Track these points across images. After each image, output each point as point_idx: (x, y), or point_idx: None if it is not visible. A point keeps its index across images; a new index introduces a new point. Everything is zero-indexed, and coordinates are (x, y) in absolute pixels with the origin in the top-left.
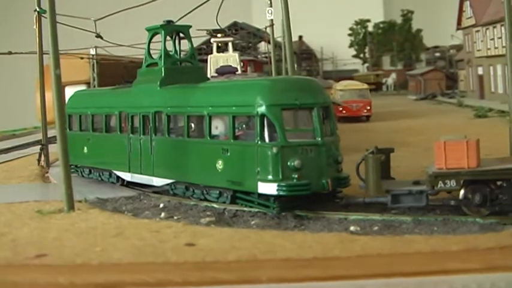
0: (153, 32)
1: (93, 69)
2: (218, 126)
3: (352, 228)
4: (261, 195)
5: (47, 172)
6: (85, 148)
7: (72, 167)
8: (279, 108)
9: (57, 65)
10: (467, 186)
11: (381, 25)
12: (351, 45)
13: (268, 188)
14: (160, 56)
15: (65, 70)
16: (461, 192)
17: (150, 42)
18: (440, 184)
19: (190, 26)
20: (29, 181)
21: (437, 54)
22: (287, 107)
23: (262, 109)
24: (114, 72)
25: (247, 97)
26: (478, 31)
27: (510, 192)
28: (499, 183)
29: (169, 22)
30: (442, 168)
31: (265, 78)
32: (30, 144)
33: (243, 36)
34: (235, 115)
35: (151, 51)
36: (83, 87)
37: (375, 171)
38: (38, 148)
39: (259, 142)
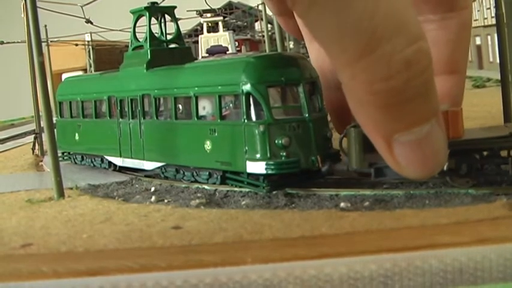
0: (137, 14)
1: (89, 56)
2: (205, 107)
3: (342, 204)
4: (250, 175)
5: (41, 161)
6: (76, 135)
7: (64, 154)
8: (265, 86)
9: (39, 52)
10: (451, 157)
11: None
12: None
13: (256, 167)
14: (146, 38)
15: (61, 57)
16: (446, 163)
17: (135, 25)
18: None
19: (175, 7)
20: (22, 170)
21: None
22: (273, 84)
23: (247, 87)
24: (110, 57)
25: (231, 76)
26: (474, 1)
27: (495, 162)
28: (484, 153)
29: (153, 4)
30: None
31: (250, 56)
32: (27, 134)
33: (238, 15)
34: (221, 94)
35: (138, 34)
36: (80, 73)
37: (358, 145)
38: (33, 137)
39: (245, 121)
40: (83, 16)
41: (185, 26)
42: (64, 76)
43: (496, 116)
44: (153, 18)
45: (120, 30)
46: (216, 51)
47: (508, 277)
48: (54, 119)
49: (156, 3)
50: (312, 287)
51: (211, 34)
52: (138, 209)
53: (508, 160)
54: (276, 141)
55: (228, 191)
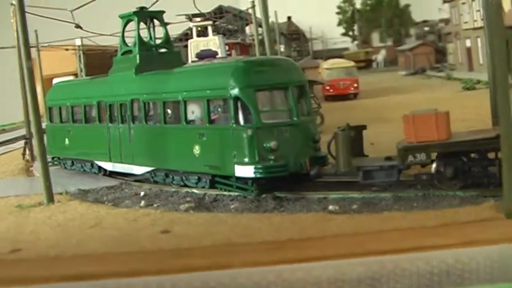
0: (126, 19)
1: (80, 60)
2: (194, 111)
3: (330, 207)
4: (239, 179)
5: (32, 166)
6: (66, 140)
7: (55, 159)
8: (253, 90)
9: (28, 57)
10: (439, 159)
11: (369, 2)
12: (339, 24)
13: (245, 171)
14: (135, 43)
15: (52, 62)
16: (433, 166)
17: (124, 29)
18: (410, 158)
19: (164, 12)
20: (13, 176)
21: (427, 28)
22: (261, 88)
23: (235, 91)
24: (100, 62)
25: (220, 80)
26: (464, 3)
27: (482, 164)
28: (472, 155)
29: (142, 8)
30: (412, 141)
31: (238, 60)
32: (17, 139)
33: (229, 19)
34: (210, 99)
35: (127, 39)
36: (70, 78)
37: (345, 148)
38: (23, 142)
39: (234, 125)
40: (73, 21)
41: (175, 31)
42: (55, 81)
43: (486, 118)
44: (142, 23)
45: (110, 35)
46: (205, 55)
47: (494, 278)
48: (44, 124)
49: (145, 8)
50: None
51: (201, 38)
52: (128, 213)
53: (495, 162)
54: (265, 145)
55: (217, 195)
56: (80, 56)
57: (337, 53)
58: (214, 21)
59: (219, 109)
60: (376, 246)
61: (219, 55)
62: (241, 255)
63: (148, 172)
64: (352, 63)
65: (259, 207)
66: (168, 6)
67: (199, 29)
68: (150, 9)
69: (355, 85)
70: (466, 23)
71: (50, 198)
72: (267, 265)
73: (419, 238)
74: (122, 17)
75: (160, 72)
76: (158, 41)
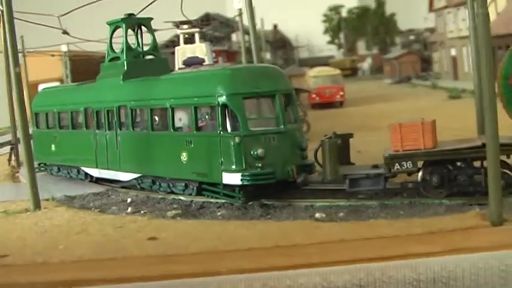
0: (114, 26)
1: (66, 66)
2: (181, 118)
3: (317, 215)
4: (226, 186)
5: (18, 172)
6: (52, 146)
7: (41, 165)
8: (240, 97)
9: (16, 63)
10: (425, 168)
11: (355, 10)
12: (325, 32)
13: (232, 178)
14: (122, 49)
15: (38, 68)
16: (420, 174)
17: (111, 36)
18: (397, 166)
19: (152, 19)
20: None
21: (412, 37)
22: (248, 96)
23: (223, 99)
24: (87, 68)
25: (207, 87)
26: (449, 12)
27: (468, 173)
28: (458, 163)
29: (130, 15)
30: (398, 150)
31: (226, 68)
32: (3, 144)
33: (216, 26)
34: (197, 106)
35: (114, 45)
36: (56, 84)
37: (332, 156)
38: (9, 148)
39: (221, 132)
40: (60, 27)
41: (163, 37)
42: (40, 87)
43: (472, 126)
44: (130, 30)
45: (97, 41)
46: (192, 62)
47: (480, 286)
48: (31, 129)
49: (133, 14)
50: None
51: (188, 45)
52: (114, 220)
53: (480, 171)
54: (252, 153)
55: (204, 202)
56: (66, 62)
57: (323, 61)
58: (201, 29)
59: (207, 116)
60: (362, 253)
61: (206, 62)
62: (228, 262)
63: (135, 179)
64: (338, 71)
65: (246, 215)
66: (156, 13)
67: (186, 36)
68: (138, 16)
69: (341, 93)
70: (451, 32)
71: (37, 205)
72: (254, 272)
73: (406, 246)
74: (109, 23)
75: (147, 79)
76: (146, 48)
